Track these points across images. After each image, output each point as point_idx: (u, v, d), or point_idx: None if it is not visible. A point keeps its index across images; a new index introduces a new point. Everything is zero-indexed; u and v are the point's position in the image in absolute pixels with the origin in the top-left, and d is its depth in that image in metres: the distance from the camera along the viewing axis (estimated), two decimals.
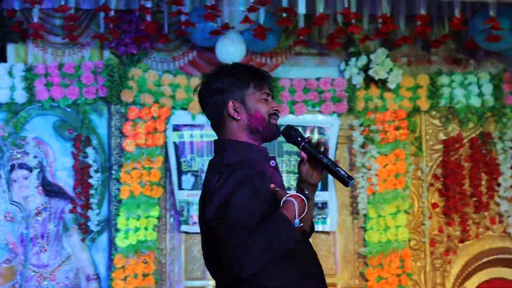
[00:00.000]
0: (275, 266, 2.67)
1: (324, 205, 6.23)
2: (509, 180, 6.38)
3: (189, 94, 6.10)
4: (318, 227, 6.22)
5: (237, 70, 2.93)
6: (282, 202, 2.68)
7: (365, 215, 6.26)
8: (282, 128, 2.88)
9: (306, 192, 2.78)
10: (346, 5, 5.70)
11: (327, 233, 6.28)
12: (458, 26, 5.97)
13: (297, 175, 2.81)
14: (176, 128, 6.17)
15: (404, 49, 6.45)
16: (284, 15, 5.68)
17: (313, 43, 6.40)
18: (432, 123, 6.45)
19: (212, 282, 6.17)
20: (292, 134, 2.85)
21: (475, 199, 6.39)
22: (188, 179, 6.15)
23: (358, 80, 6.29)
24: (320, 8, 5.69)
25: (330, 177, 6.18)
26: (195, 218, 6.06)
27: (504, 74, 6.44)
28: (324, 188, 6.20)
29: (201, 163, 6.14)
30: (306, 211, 2.71)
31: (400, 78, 6.29)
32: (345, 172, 2.74)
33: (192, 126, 6.18)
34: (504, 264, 6.46)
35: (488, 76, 6.43)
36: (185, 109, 6.18)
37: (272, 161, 2.86)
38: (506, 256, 6.44)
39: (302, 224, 2.73)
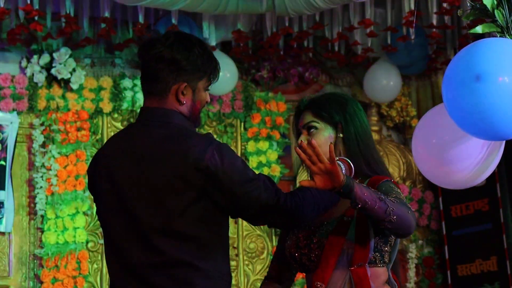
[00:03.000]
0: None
1: (0, 205, 6.02)
2: None
3: None
4: None
5: (207, 54, 2.80)
6: None
7: (42, 216, 6.14)
8: None
9: None
10: (28, 1, 5.57)
11: (2, 233, 6.07)
12: (142, 32, 6.09)
13: None
14: None
15: (88, 50, 6.43)
16: None
17: None
18: (114, 126, 6.49)
19: None
20: None
21: None
22: None
23: (40, 78, 6.17)
24: (1, 3, 5.50)
25: (7, 175, 6.00)
26: None
27: None
28: (1, 187, 5.99)
29: None
30: None
31: (83, 79, 6.27)
32: None
33: None
34: None
35: None
36: None
37: None
38: None
39: None
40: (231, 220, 6.66)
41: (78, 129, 6.25)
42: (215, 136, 6.61)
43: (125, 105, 6.47)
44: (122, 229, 2.73)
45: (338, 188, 2.71)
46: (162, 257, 2.66)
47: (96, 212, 2.90)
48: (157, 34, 2.90)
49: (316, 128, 3.01)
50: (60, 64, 6.16)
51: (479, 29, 3.02)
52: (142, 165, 2.71)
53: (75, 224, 6.15)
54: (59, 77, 6.17)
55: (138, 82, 6.49)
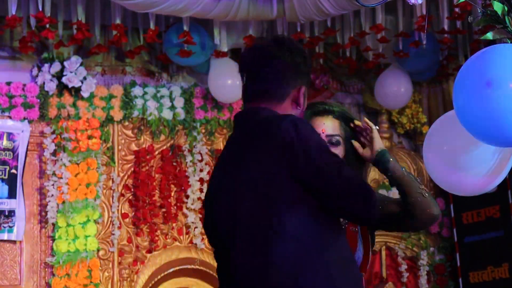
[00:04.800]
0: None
1: (11, 213, 6.03)
2: (197, 192, 6.57)
3: None
4: (4, 235, 6.01)
5: (310, 59, 2.72)
6: None
7: (54, 224, 6.15)
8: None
9: None
10: (40, 9, 5.59)
11: (14, 242, 6.08)
12: (153, 39, 6.11)
13: None
14: None
15: (98, 58, 6.45)
16: None
17: (4, 46, 6.20)
18: (125, 134, 6.50)
19: None
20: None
21: (164, 210, 6.51)
22: None
23: (51, 86, 6.19)
24: (13, 10, 5.53)
25: (18, 184, 6.01)
26: None
27: (195, 88, 6.67)
28: (12, 196, 6.01)
29: None
30: None
31: (94, 87, 6.29)
32: None
33: None
34: (189, 274, 6.64)
35: (180, 90, 6.62)
36: None
37: None
38: (191, 266, 6.62)
39: None
40: None
41: (89, 137, 6.26)
42: (225, 144, 6.69)
43: (135, 113, 6.47)
44: None
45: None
46: None
47: None
48: (260, 41, 2.81)
49: (339, 143, 2.95)
50: (71, 72, 6.17)
51: (489, 35, 3.00)
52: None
53: (86, 232, 6.16)
54: (70, 85, 6.19)
55: (148, 90, 6.51)
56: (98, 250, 6.25)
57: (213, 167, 6.59)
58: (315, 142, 2.53)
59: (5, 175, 6.05)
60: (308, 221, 2.50)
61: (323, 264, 2.48)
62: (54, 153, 6.21)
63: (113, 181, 6.41)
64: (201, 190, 6.59)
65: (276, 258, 2.46)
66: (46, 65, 6.19)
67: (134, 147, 6.53)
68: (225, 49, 6.34)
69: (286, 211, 2.49)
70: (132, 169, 6.49)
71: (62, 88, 6.24)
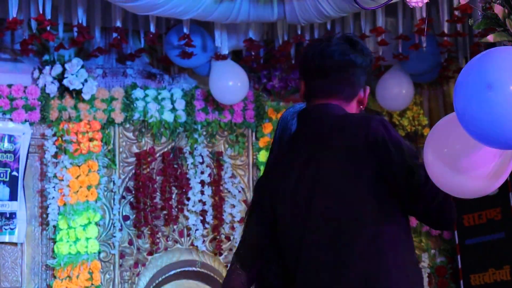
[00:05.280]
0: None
1: (12, 216, 6.04)
2: (198, 194, 6.58)
3: None
4: (5, 237, 6.01)
5: None
6: None
7: (55, 226, 6.15)
8: None
9: None
10: (40, 11, 5.59)
11: (15, 244, 6.08)
12: (153, 41, 6.11)
13: None
14: None
15: (99, 61, 6.46)
16: None
17: (5, 48, 6.21)
18: (126, 136, 6.51)
19: None
20: None
21: (165, 212, 6.51)
22: None
23: (52, 89, 6.20)
24: (13, 12, 5.54)
25: (20, 186, 6.02)
26: None
27: (196, 90, 6.67)
28: (13, 198, 6.01)
29: None
30: None
31: (95, 89, 6.29)
32: None
33: None
34: (190, 276, 6.64)
35: (181, 92, 6.62)
36: None
37: None
38: (192, 268, 6.62)
39: None
40: None
41: (90, 140, 6.27)
42: (226, 146, 6.69)
43: (136, 116, 6.48)
44: None
45: None
46: None
47: None
48: (327, 39, 2.74)
49: None
50: (72, 74, 6.18)
51: (490, 38, 3.00)
52: None
53: (87, 235, 6.16)
54: (71, 87, 6.19)
55: (149, 92, 6.51)
56: (99, 252, 6.25)
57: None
58: (405, 144, 2.55)
59: (6, 178, 6.06)
60: (388, 221, 2.50)
61: (399, 267, 2.48)
62: (55, 155, 6.21)
63: (114, 183, 6.41)
64: (202, 193, 6.59)
65: (353, 257, 2.46)
66: (47, 68, 6.20)
67: (135, 149, 6.53)
68: (226, 51, 6.35)
69: (366, 210, 2.49)
70: (133, 171, 6.49)
71: (63, 90, 6.25)
